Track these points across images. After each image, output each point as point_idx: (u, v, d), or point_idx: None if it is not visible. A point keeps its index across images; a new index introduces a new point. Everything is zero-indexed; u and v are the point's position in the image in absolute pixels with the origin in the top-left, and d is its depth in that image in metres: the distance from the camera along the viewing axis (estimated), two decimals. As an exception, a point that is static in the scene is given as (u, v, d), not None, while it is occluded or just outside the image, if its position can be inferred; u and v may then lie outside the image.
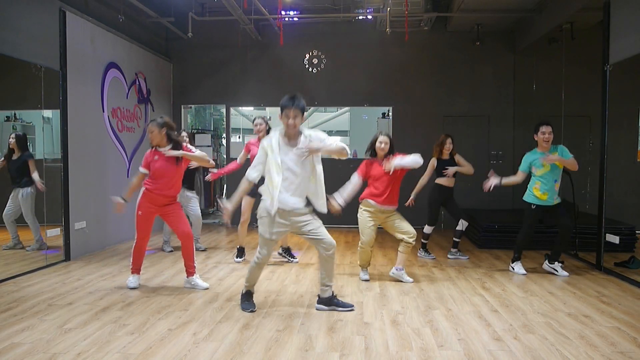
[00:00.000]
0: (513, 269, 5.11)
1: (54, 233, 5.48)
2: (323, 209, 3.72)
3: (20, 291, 4.31)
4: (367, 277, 4.80)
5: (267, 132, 5.32)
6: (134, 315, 3.68)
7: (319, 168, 3.65)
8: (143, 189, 4.34)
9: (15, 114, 5.95)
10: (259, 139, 5.39)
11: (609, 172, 5.16)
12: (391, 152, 4.61)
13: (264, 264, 3.81)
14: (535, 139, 4.97)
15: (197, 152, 4.46)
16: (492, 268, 5.35)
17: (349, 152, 3.63)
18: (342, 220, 8.72)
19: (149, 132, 4.33)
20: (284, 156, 3.54)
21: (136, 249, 4.42)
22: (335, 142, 3.57)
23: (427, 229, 5.81)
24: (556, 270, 5.03)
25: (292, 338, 3.23)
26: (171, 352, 2.98)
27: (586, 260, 5.55)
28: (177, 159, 4.33)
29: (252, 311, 3.77)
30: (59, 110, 5.52)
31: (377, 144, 4.60)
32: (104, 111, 6.41)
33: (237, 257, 5.69)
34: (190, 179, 6.11)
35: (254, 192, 5.35)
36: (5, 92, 5.67)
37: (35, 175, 5.38)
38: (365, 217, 4.67)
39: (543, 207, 4.92)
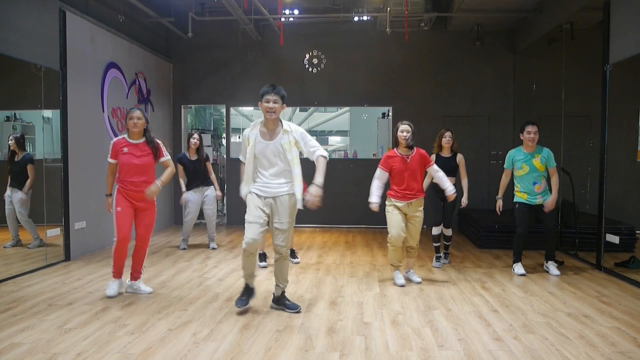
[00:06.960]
0: (514, 270, 5.10)
1: (54, 233, 5.49)
2: (299, 204, 3.63)
3: (20, 291, 4.31)
4: (402, 281, 4.56)
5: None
6: (134, 315, 3.68)
7: (294, 164, 3.62)
8: (116, 185, 4.13)
9: (15, 114, 5.94)
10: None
11: (609, 172, 5.17)
12: (413, 140, 4.50)
13: (250, 250, 3.60)
14: (521, 137, 5.04)
15: (168, 170, 4.27)
16: (492, 268, 5.35)
17: (327, 157, 3.73)
18: (342, 220, 8.81)
19: (136, 118, 4.07)
20: (262, 148, 3.60)
21: (117, 250, 4.13)
22: (320, 152, 3.65)
23: (433, 230, 5.44)
24: (548, 269, 5.07)
25: (292, 338, 3.23)
26: (171, 352, 2.98)
27: (586, 260, 5.55)
28: (154, 155, 4.18)
29: (239, 306, 3.73)
30: (59, 110, 5.52)
31: (399, 133, 4.51)
32: (104, 111, 6.41)
33: (259, 262, 5.50)
34: (204, 174, 6.16)
35: None
36: (5, 92, 5.67)
37: (28, 182, 5.41)
38: (391, 211, 4.53)
39: (528, 205, 5.03)
